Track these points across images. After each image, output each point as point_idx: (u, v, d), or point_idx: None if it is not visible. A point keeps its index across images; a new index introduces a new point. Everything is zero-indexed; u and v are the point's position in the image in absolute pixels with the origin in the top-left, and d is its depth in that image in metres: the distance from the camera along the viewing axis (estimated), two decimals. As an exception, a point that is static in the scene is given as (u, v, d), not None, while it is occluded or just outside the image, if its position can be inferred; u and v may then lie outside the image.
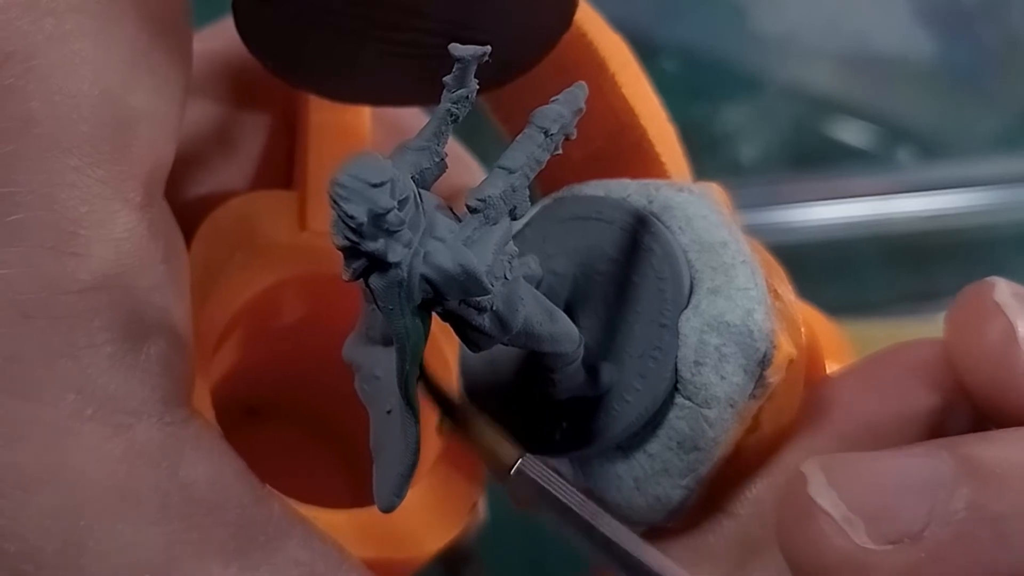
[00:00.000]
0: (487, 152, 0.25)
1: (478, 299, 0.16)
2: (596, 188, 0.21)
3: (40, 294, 0.17)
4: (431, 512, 0.23)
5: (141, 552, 0.17)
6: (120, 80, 0.18)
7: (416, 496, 0.23)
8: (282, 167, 0.26)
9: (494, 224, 0.16)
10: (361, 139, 0.26)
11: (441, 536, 0.23)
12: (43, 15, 0.18)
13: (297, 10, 0.20)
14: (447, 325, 0.18)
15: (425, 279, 0.16)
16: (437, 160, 0.17)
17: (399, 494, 0.18)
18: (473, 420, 0.19)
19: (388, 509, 0.18)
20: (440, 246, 0.16)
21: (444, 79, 0.17)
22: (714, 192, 0.20)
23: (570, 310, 0.20)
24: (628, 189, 0.21)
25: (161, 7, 0.19)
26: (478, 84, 0.17)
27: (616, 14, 0.24)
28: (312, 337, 0.25)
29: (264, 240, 0.24)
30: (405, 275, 0.16)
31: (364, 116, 0.26)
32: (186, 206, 0.24)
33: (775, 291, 0.20)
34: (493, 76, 0.21)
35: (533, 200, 0.22)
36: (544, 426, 0.20)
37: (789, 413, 0.20)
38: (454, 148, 0.28)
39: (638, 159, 0.24)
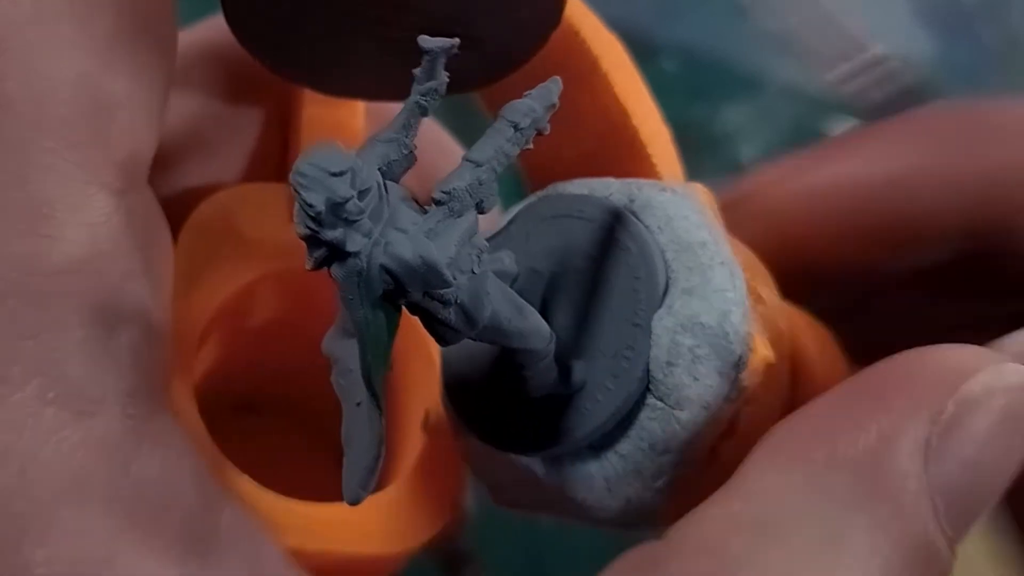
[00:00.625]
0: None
1: (442, 292, 0.16)
2: (580, 187, 0.21)
3: (10, 275, 0.17)
4: (407, 510, 0.23)
5: (82, 542, 0.17)
6: (100, 64, 0.18)
7: (394, 493, 0.23)
8: (276, 160, 0.26)
9: (459, 217, 0.16)
10: (354, 134, 0.26)
11: (417, 535, 0.23)
12: None
13: (287, 1, 0.20)
14: None
15: (385, 269, 0.16)
16: (406, 152, 0.17)
17: (364, 487, 0.18)
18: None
19: (354, 502, 0.18)
20: (401, 237, 0.16)
21: (414, 71, 0.16)
22: (698, 193, 0.20)
23: (547, 307, 0.20)
24: (611, 188, 0.20)
25: None
26: (448, 77, 0.17)
27: (615, 14, 0.24)
28: (301, 331, 0.25)
29: (253, 233, 0.24)
30: (364, 265, 0.16)
31: (358, 111, 0.26)
32: (177, 197, 0.24)
33: (757, 294, 0.20)
34: (485, 73, 0.21)
35: (521, 198, 0.22)
36: (518, 423, 0.20)
37: (769, 419, 0.20)
38: (449, 144, 0.28)
39: (629, 159, 0.23)
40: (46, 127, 0.17)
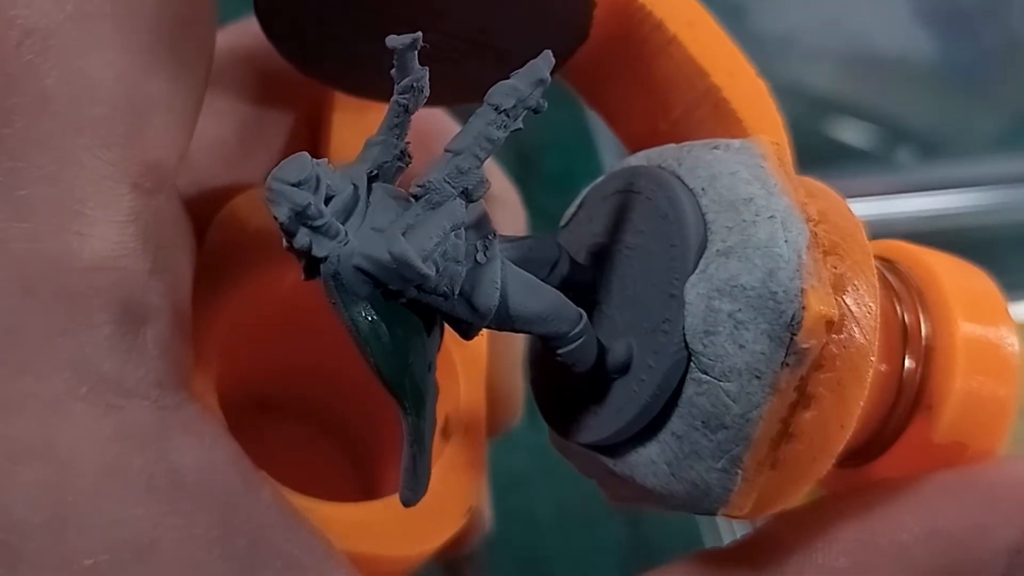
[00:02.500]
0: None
1: (434, 285, 0.16)
2: (639, 158, 0.20)
3: (43, 271, 0.17)
4: (424, 513, 0.23)
5: (124, 531, 0.17)
6: (138, 65, 0.18)
7: None
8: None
9: (437, 208, 0.16)
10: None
11: (432, 538, 0.23)
12: None
13: (317, 3, 0.20)
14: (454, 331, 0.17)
15: (359, 270, 0.16)
16: (396, 153, 0.17)
17: (407, 486, 0.18)
18: None
19: (403, 503, 0.18)
20: (374, 236, 0.16)
21: (391, 72, 0.16)
22: (759, 145, 0.18)
23: (599, 289, 0.19)
24: (664, 155, 0.19)
25: None
26: (426, 72, 0.16)
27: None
28: (326, 332, 0.25)
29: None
30: (335, 268, 0.16)
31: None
32: (204, 197, 0.24)
33: (828, 251, 0.18)
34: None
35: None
36: (577, 411, 0.19)
37: (856, 389, 0.18)
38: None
39: (714, 120, 0.22)
40: (82, 125, 0.18)
